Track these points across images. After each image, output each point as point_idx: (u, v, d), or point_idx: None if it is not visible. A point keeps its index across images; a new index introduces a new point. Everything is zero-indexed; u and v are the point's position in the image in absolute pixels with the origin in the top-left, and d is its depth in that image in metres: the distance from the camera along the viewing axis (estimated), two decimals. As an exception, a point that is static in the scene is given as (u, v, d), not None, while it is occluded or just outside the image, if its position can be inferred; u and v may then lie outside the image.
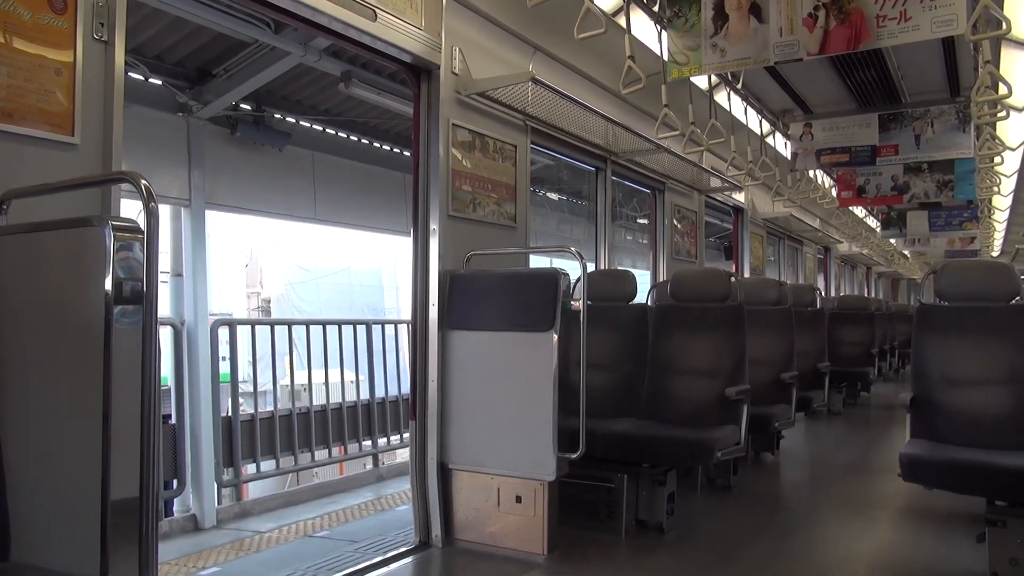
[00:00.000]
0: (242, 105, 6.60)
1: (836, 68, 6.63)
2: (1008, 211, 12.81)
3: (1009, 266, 3.91)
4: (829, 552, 3.74)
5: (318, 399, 6.78)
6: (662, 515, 3.77)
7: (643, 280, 5.48)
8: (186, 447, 5.48)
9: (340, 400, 6.74)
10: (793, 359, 5.24)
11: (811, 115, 7.63)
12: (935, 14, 3.79)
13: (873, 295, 17.23)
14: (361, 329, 7.13)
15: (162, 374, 4.59)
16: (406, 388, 6.62)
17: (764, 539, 3.81)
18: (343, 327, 7.07)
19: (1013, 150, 6.64)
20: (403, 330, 7.85)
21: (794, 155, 7.66)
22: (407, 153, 7.95)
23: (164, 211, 6.06)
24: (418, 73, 3.75)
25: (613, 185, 5.78)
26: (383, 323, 7.84)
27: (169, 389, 5.56)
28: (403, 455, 7.68)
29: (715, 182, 6.96)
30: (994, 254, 17.50)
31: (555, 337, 3.35)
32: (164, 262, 6.10)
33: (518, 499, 3.45)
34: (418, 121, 3.80)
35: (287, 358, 6.64)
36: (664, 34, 4.53)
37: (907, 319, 10.35)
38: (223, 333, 5.95)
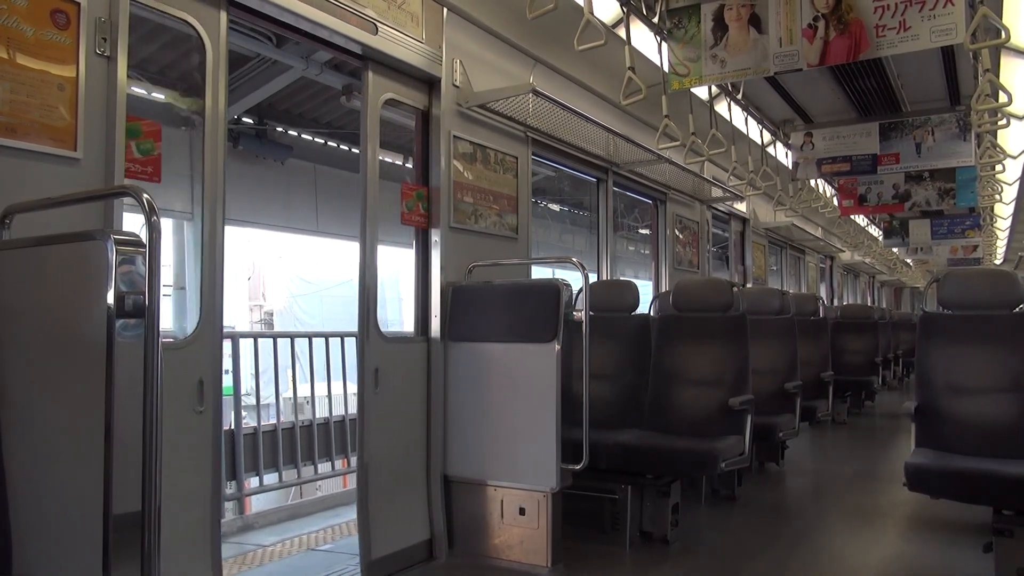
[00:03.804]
0: (244, 119, 6.64)
1: (836, 77, 6.65)
2: (1010, 219, 12.80)
3: (1013, 274, 3.90)
4: (835, 563, 3.71)
5: (321, 412, 6.76)
6: (666, 526, 3.76)
7: (645, 291, 5.47)
8: (188, 460, 5.46)
9: (343, 412, 6.73)
10: (796, 369, 5.23)
11: (812, 124, 7.64)
12: (934, 23, 3.81)
13: (876, 304, 17.20)
14: (364, 341, 7.11)
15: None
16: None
17: (769, 550, 3.79)
18: (346, 339, 7.06)
19: (1014, 158, 6.63)
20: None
21: (795, 164, 7.67)
22: (409, 165, 7.98)
23: (166, 224, 6.08)
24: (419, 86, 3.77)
25: (614, 196, 5.79)
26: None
27: (171, 402, 5.54)
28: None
29: (716, 192, 6.97)
30: (997, 262, 17.48)
31: (557, 348, 3.35)
32: (166, 276, 6.12)
33: (521, 511, 3.44)
34: (419, 133, 3.82)
35: (290, 371, 6.63)
36: (664, 45, 4.55)
37: (910, 328, 10.34)
38: (226, 346, 5.94)
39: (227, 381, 6.09)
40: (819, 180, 9.10)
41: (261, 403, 6.56)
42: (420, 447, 3.64)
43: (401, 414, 3.55)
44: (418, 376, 3.67)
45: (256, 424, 6.00)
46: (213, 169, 2.84)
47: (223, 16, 2.86)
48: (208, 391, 2.73)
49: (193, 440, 2.69)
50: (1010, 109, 5.24)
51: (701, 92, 5.61)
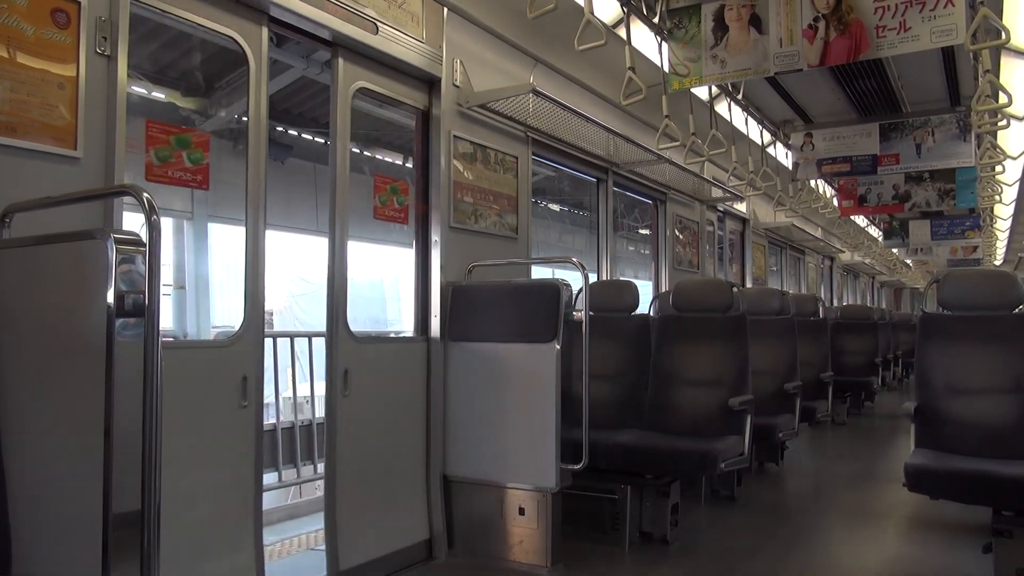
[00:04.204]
0: (244, 118, 6.63)
1: (836, 78, 6.65)
2: (1010, 219, 12.81)
3: (1012, 275, 3.90)
4: (834, 563, 3.72)
5: (320, 411, 6.75)
6: (666, 527, 3.76)
7: (645, 291, 5.48)
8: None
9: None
10: (796, 369, 5.23)
11: (812, 125, 7.64)
12: (934, 24, 3.81)
13: (876, 304, 17.20)
14: (363, 341, 7.10)
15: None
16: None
17: (769, 550, 3.79)
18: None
19: (1014, 159, 6.64)
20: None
21: (795, 165, 7.67)
22: (409, 165, 7.99)
23: (166, 224, 6.08)
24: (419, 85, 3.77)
25: (614, 196, 5.79)
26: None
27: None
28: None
29: (716, 192, 6.97)
30: (997, 263, 17.49)
31: (557, 348, 3.35)
32: (166, 275, 6.12)
33: (521, 511, 3.44)
34: (419, 133, 3.82)
35: (289, 370, 6.63)
36: (664, 45, 4.55)
37: (910, 328, 10.35)
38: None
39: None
40: (819, 180, 9.10)
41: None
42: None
43: (377, 417, 3.44)
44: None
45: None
46: (255, 176, 2.90)
47: (264, 32, 2.96)
48: (251, 387, 2.81)
49: (237, 433, 2.78)
50: (1010, 110, 5.24)
51: (701, 92, 5.61)
